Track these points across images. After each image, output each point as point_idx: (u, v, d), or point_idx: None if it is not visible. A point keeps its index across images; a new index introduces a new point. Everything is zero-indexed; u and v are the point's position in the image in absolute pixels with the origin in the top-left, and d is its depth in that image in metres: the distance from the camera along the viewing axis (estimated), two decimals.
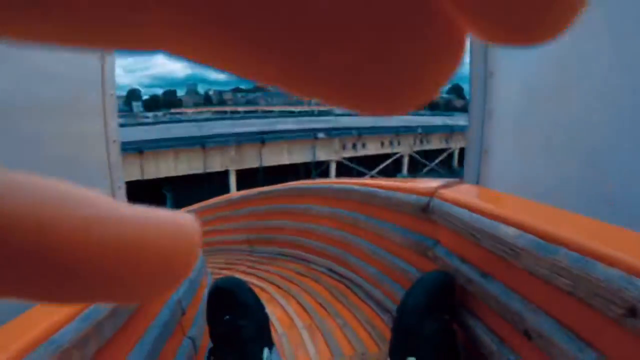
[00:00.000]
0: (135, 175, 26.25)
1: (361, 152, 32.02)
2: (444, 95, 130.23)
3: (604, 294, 0.60)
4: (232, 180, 28.36)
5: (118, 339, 0.85)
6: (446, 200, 1.07)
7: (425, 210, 1.18)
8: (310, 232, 2.66)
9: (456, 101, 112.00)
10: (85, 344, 0.76)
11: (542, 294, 0.75)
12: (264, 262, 3.10)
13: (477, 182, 2.28)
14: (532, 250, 0.75)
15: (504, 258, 0.83)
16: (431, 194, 1.16)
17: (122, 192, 2.26)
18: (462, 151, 35.96)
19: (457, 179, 1.31)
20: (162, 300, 1.05)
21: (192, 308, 1.23)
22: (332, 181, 2.46)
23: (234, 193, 4.21)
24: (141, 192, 27.37)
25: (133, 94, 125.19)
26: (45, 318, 0.75)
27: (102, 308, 0.80)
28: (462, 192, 1.11)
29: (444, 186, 1.18)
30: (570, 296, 0.67)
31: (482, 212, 0.91)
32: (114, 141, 2.08)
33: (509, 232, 0.82)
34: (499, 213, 0.87)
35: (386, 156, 33.54)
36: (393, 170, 33.60)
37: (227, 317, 1.03)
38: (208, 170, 27.77)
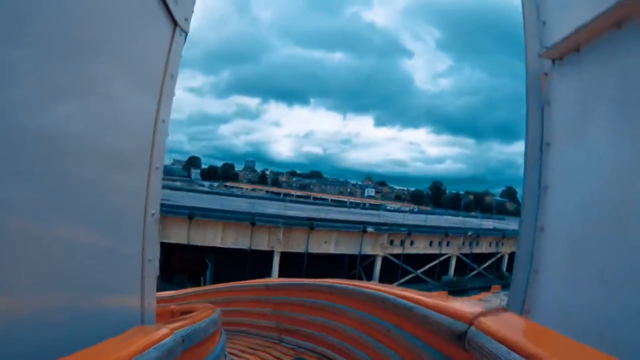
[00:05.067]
0: (182, 239, 26.89)
1: (408, 250, 31.67)
2: (497, 198, 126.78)
3: None
4: (276, 262, 28.25)
5: None
6: (485, 331, 1.02)
7: (461, 338, 1.12)
8: (339, 331, 2.58)
9: (508, 204, 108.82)
10: None
11: None
12: (290, 354, 3.00)
13: (523, 305, 2.13)
14: None
15: None
16: (470, 321, 1.10)
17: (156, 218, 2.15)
18: (512, 256, 34.33)
19: (499, 306, 1.25)
20: None
21: None
22: (370, 286, 2.39)
23: (271, 279, 4.20)
24: (185, 255, 27.73)
25: (193, 162, 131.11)
26: None
27: None
28: (503, 323, 1.05)
29: (485, 313, 1.12)
30: None
31: (520, 352, 0.85)
32: (157, 168, 2.06)
33: None
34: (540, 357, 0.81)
35: (433, 256, 33.03)
36: (439, 271, 33.03)
37: None
38: (253, 248, 28.04)
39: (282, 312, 3.71)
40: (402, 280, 30.70)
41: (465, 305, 1.26)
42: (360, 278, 29.98)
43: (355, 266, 30.62)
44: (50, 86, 1.26)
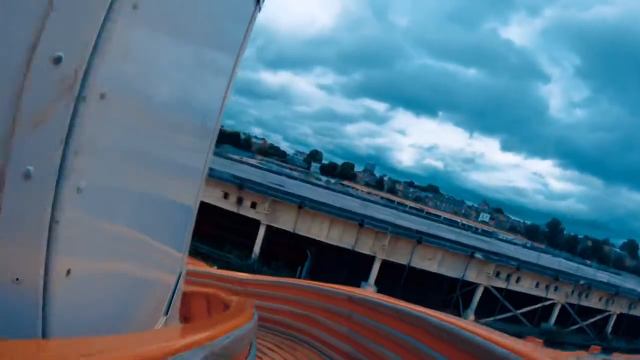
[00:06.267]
0: (288, 226, 27.40)
1: (513, 287, 29.83)
2: (617, 250, 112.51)
3: None
4: (375, 268, 27.56)
5: None
6: None
7: None
8: None
9: (628, 259, 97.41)
10: None
11: None
12: None
13: None
14: None
15: None
16: None
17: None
18: (620, 318, 29.73)
19: None
20: None
21: None
22: (483, 333, 1.73)
23: (358, 290, 3.14)
24: (288, 242, 28.41)
25: (314, 155, 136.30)
26: None
27: None
28: None
29: None
30: None
31: None
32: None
33: None
34: None
35: (537, 299, 30.83)
36: (540, 316, 30.67)
37: None
38: (356, 249, 27.62)
39: (362, 338, 2.70)
40: (498, 317, 29.04)
41: None
42: (457, 305, 29.07)
43: (454, 290, 29.28)
44: None
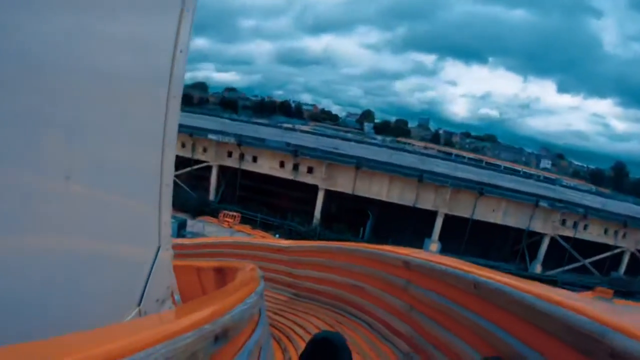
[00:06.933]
0: (347, 189, 27.35)
1: (581, 235, 28.81)
2: None
3: None
4: (438, 224, 27.19)
5: None
6: None
7: None
8: None
9: None
10: None
11: None
12: None
13: None
14: None
15: None
16: None
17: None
18: None
19: None
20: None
21: None
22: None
23: (417, 253, 2.67)
24: (348, 205, 28.35)
25: (367, 116, 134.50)
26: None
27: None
28: None
29: None
30: None
31: None
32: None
33: None
34: None
35: (606, 247, 29.57)
36: (609, 266, 29.56)
37: None
38: (417, 205, 27.35)
39: (422, 316, 2.30)
40: (567, 267, 28.25)
41: None
42: (523, 256, 28.27)
43: (519, 241, 28.40)
44: None
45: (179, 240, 8.91)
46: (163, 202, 1.88)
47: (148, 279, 1.72)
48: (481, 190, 26.39)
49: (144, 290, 1.67)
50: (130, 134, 1.60)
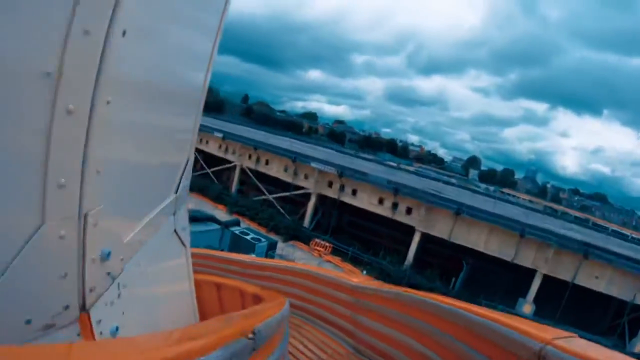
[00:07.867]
0: (444, 234, 27.00)
1: None
2: None
3: None
4: (536, 284, 25.45)
5: None
6: None
7: None
8: None
9: None
10: None
11: None
12: None
13: None
14: None
15: None
16: None
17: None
18: None
19: None
20: None
21: None
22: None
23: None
24: (443, 250, 27.55)
25: (473, 162, 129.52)
26: None
27: None
28: None
29: None
30: None
31: None
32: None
33: None
34: None
35: None
36: None
37: None
38: (515, 262, 26.43)
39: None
40: None
41: None
42: (622, 333, 25.05)
43: (621, 315, 25.25)
44: None
45: (241, 257, 8.25)
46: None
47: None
48: (586, 253, 24.45)
49: None
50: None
